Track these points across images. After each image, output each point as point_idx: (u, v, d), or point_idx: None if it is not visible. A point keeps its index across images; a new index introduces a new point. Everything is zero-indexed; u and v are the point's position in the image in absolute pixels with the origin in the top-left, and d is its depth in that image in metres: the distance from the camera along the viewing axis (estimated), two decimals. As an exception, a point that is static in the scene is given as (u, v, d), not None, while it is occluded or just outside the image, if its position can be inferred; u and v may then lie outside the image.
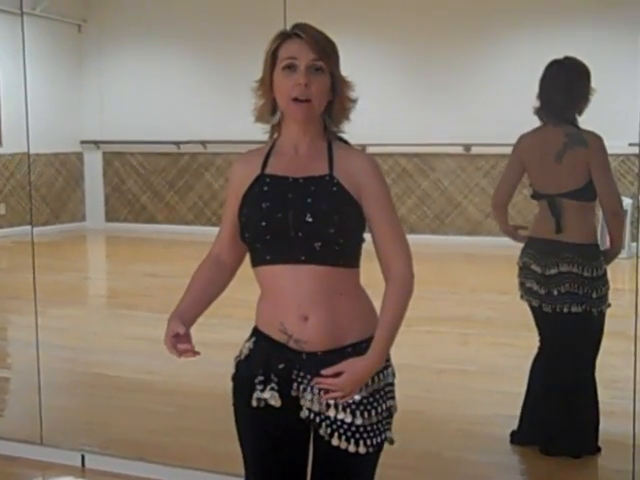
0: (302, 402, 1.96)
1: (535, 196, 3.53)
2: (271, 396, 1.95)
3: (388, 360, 2.00)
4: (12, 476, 3.61)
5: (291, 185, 1.94)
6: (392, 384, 2.02)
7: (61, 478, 3.62)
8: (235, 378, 2.06)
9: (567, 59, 3.45)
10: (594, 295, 3.40)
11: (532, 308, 3.57)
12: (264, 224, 1.93)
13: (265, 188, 1.96)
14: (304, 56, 1.91)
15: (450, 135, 9.01)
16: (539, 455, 3.56)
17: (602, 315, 3.45)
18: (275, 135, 2.04)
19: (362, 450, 1.94)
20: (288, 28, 1.98)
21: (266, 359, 1.98)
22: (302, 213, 1.90)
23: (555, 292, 3.43)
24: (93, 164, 11.41)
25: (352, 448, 1.94)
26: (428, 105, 9.37)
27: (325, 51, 1.93)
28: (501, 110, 7.86)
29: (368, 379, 1.93)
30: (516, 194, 3.61)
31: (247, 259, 2.05)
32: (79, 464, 3.62)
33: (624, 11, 7.23)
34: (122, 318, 6.57)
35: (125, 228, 11.06)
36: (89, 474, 3.58)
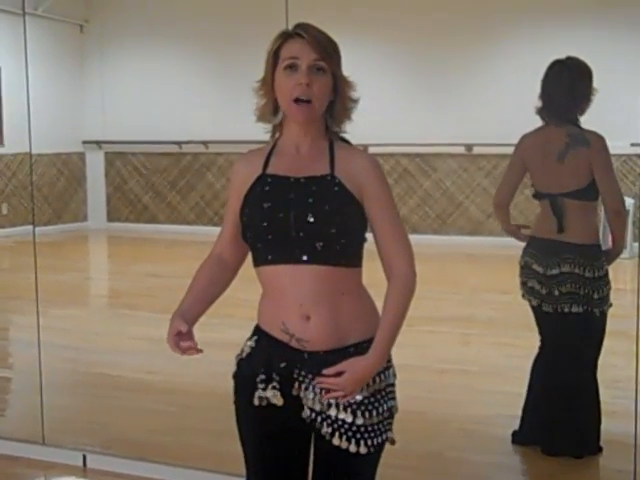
0: (304, 401, 1.96)
1: (537, 196, 3.53)
2: (273, 395, 1.96)
3: (389, 361, 2.00)
4: (14, 476, 3.61)
5: (292, 185, 1.94)
6: (393, 385, 2.02)
7: (63, 478, 3.62)
8: (236, 376, 2.06)
9: (569, 59, 3.45)
10: (595, 296, 3.40)
11: (533, 307, 3.57)
12: (265, 224, 1.93)
13: (266, 188, 1.96)
14: (306, 56, 1.91)
15: (452, 135, 9.01)
16: (541, 455, 3.55)
17: (604, 315, 3.45)
18: (276, 135, 2.04)
19: (363, 450, 1.94)
20: (290, 28, 1.98)
21: (268, 358, 1.98)
22: (304, 213, 1.90)
23: (556, 292, 3.43)
24: (95, 164, 11.42)
25: (353, 448, 1.94)
26: (430, 105, 9.38)
27: (327, 51, 1.93)
28: (502, 110, 7.86)
29: (369, 379, 1.93)
30: (518, 194, 3.61)
31: (249, 259, 2.06)
32: (81, 464, 3.63)
33: (625, 11, 7.23)
34: (124, 318, 6.57)
35: (127, 228, 11.07)
36: (91, 474, 3.58)
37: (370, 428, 1.94)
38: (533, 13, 8.31)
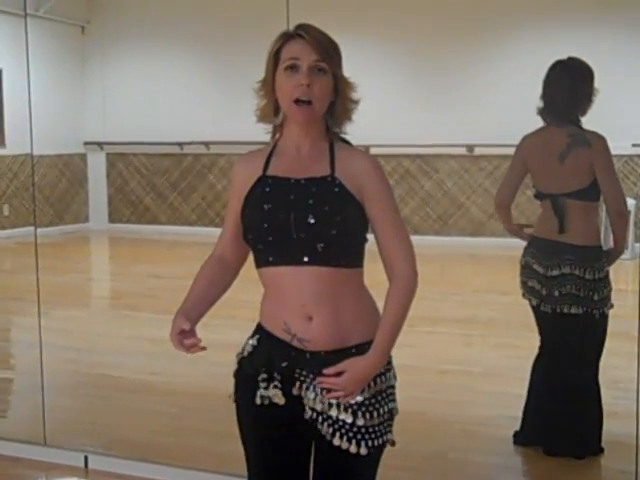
0: (305, 401, 1.97)
1: (538, 196, 3.53)
2: (275, 394, 1.96)
3: (390, 363, 2.00)
4: (15, 477, 3.61)
5: (293, 186, 1.94)
6: (393, 387, 2.02)
7: (64, 479, 3.62)
8: (237, 374, 2.06)
9: (570, 60, 3.45)
10: (595, 297, 3.40)
11: (532, 307, 3.57)
12: (266, 226, 1.93)
13: (267, 189, 1.96)
14: (306, 57, 1.91)
15: (453, 136, 9.01)
16: (542, 456, 3.55)
17: (604, 317, 3.45)
18: (277, 135, 2.04)
19: (363, 451, 1.94)
20: (291, 29, 1.98)
21: (269, 357, 1.98)
22: (304, 214, 1.90)
23: (556, 293, 3.43)
24: (96, 165, 11.43)
25: (353, 449, 1.94)
26: (431, 106, 9.37)
27: (328, 52, 1.93)
28: (504, 111, 7.86)
29: (370, 380, 1.93)
30: (519, 195, 3.61)
31: (250, 260, 2.06)
32: (82, 465, 3.63)
33: (626, 12, 7.24)
34: (125, 319, 6.57)
35: (128, 229, 11.07)
36: (92, 475, 3.59)
37: (371, 429, 1.94)
38: (534, 14, 8.32)
